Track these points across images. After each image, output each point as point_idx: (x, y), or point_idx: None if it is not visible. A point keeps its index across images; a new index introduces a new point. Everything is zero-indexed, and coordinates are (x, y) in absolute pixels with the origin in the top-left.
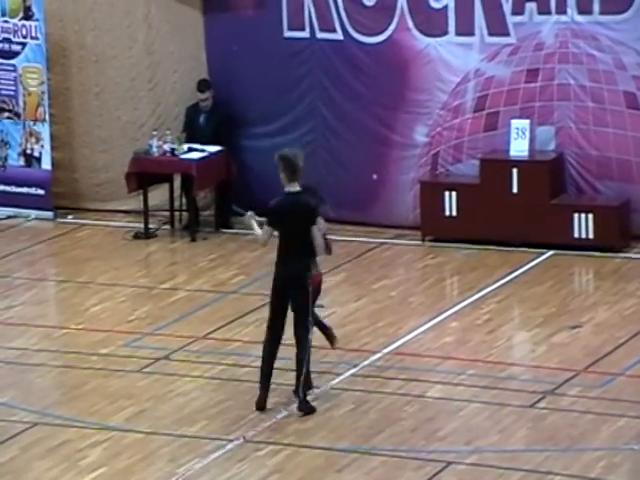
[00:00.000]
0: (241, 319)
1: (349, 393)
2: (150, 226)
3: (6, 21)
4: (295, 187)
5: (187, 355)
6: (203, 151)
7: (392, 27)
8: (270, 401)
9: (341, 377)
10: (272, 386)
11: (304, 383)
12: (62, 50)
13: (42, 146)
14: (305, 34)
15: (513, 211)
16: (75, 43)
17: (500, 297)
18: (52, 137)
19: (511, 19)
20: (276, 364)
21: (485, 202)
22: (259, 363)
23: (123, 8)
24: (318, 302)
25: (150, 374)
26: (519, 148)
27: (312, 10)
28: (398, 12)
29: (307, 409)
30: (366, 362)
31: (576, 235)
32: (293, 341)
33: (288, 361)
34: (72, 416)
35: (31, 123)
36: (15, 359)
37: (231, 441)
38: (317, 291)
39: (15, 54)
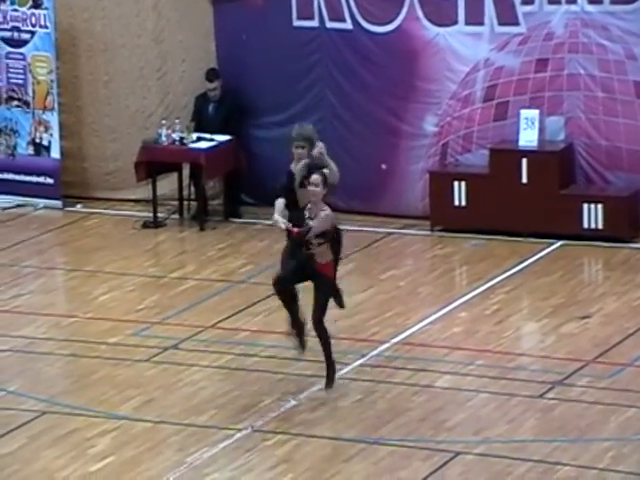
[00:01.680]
0: (250, 309)
1: (357, 383)
2: (159, 215)
3: (15, 9)
4: None
5: (195, 344)
6: (212, 140)
7: (401, 16)
8: (278, 390)
9: (349, 367)
10: (279, 376)
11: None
12: (71, 39)
13: (51, 135)
14: (314, 23)
15: (522, 201)
16: (84, 32)
17: (509, 287)
18: (61, 126)
19: (521, 9)
20: (284, 353)
21: (494, 192)
22: (267, 353)
23: None
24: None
25: (158, 363)
26: (528, 138)
27: None
28: (407, 1)
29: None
30: (374, 352)
31: (585, 225)
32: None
33: (294, 351)
34: (80, 405)
35: (40, 112)
36: (23, 348)
37: (239, 431)
38: None
39: (24, 43)
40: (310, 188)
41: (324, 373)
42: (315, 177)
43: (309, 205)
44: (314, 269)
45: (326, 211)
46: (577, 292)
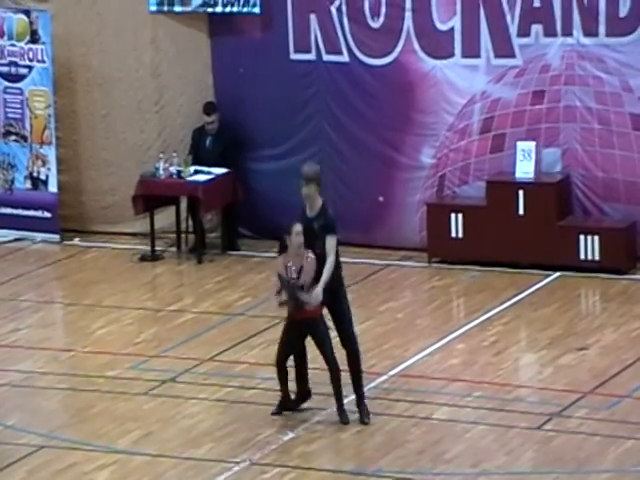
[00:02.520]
0: (248, 341)
1: (356, 415)
2: (157, 248)
3: (13, 44)
4: None
5: (194, 377)
6: (209, 173)
7: (398, 49)
8: (276, 423)
9: (348, 399)
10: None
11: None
12: (68, 73)
13: (49, 169)
14: (311, 56)
15: (519, 233)
16: (81, 66)
17: (507, 319)
18: (58, 160)
19: (517, 41)
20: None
21: (491, 224)
22: (265, 385)
23: (130, 31)
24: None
25: (157, 397)
26: (525, 170)
27: (318, 32)
28: (404, 34)
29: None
30: (372, 384)
31: (582, 257)
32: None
33: (291, 382)
34: (79, 439)
35: (38, 146)
36: (22, 382)
37: (238, 464)
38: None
39: (22, 77)
40: (294, 239)
41: (322, 405)
42: (296, 226)
43: (290, 259)
44: (305, 319)
45: (310, 254)
46: (575, 323)
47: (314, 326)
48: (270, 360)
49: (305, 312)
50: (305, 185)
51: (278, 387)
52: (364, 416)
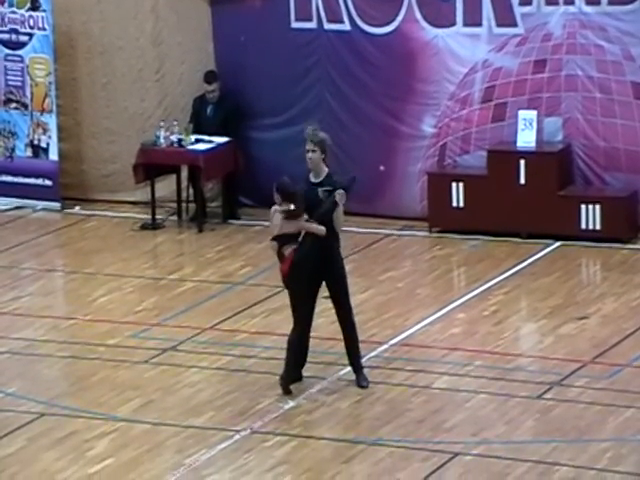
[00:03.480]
0: (248, 310)
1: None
2: (157, 217)
3: (13, 12)
4: None
5: (194, 346)
6: (210, 142)
7: (400, 18)
8: (276, 392)
9: (348, 368)
10: (278, 377)
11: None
12: (69, 41)
13: (49, 137)
14: (312, 25)
15: (520, 202)
16: (82, 34)
17: (507, 288)
18: (59, 128)
19: (519, 10)
20: (282, 355)
21: (492, 193)
22: (266, 354)
23: None
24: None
25: (157, 365)
26: (526, 139)
27: (319, 1)
28: (406, 3)
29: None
30: (373, 353)
31: (583, 226)
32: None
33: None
34: (79, 407)
35: (38, 114)
36: (22, 350)
37: (238, 432)
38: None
39: (22, 45)
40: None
41: (322, 374)
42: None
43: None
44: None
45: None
46: (575, 293)
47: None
48: (270, 329)
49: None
50: (310, 149)
51: (281, 355)
52: (361, 380)
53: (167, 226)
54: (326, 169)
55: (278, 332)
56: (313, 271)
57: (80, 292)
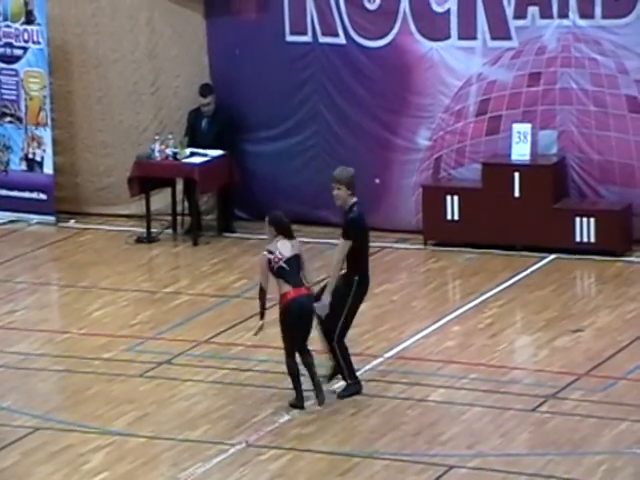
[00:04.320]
0: (243, 323)
1: (351, 397)
2: (152, 230)
3: (8, 25)
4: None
5: (189, 359)
6: (205, 155)
7: (395, 31)
8: (272, 405)
9: (343, 381)
10: (273, 391)
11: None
12: (64, 54)
13: (44, 150)
14: (307, 38)
15: (515, 215)
16: (77, 47)
17: (502, 301)
18: (54, 141)
19: (513, 23)
20: (277, 368)
21: (487, 206)
22: (261, 367)
23: (125, 12)
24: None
25: (152, 378)
26: (521, 152)
27: (314, 14)
28: (400, 16)
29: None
30: (368, 366)
31: (578, 239)
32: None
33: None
34: (74, 421)
35: (33, 127)
36: (17, 364)
37: (233, 445)
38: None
39: (17, 59)
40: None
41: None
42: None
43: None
44: None
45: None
46: (570, 305)
47: None
48: (266, 342)
49: None
50: (335, 186)
51: (276, 369)
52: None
53: (162, 239)
54: (351, 201)
55: (273, 345)
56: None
57: (75, 306)
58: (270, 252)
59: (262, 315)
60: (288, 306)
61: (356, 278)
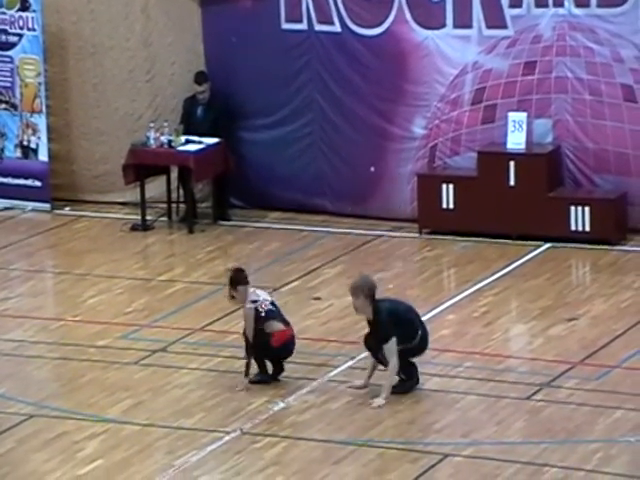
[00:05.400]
0: (238, 311)
1: (346, 385)
2: (147, 218)
3: (3, 12)
4: None
5: (184, 347)
6: (201, 143)
7: (390, 19)
8: (267, 393)
9: (338, 369)
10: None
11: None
12: (59, 41)
13: (39, 138)
14: (303, 26)
15: (510, 204)
16: (72, 34)
17: (497, 290)
18: (49, 129)
19: (509, 12)
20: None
21: (482, 195)
22: None
23: (121, 0)
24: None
25: (147, 366)
26: (516, 141)
27: (310, 2)
28: (396, 4)
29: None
30: (363, 354)
31: (573, 228)
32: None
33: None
34: (69, 408)
35: (28, 115)
36: (12, 351)
37: (228, 433)
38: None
39: (12, 45)
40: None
41: (312, 375)
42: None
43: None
44: None
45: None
46: (565, 294)
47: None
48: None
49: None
50: (352, 297)
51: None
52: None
53: (157, 227)
54: (371, 308)
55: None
56: None
57: (70, 293)
58: (254, 301)
59: (247, 373)
60: (287, 343)
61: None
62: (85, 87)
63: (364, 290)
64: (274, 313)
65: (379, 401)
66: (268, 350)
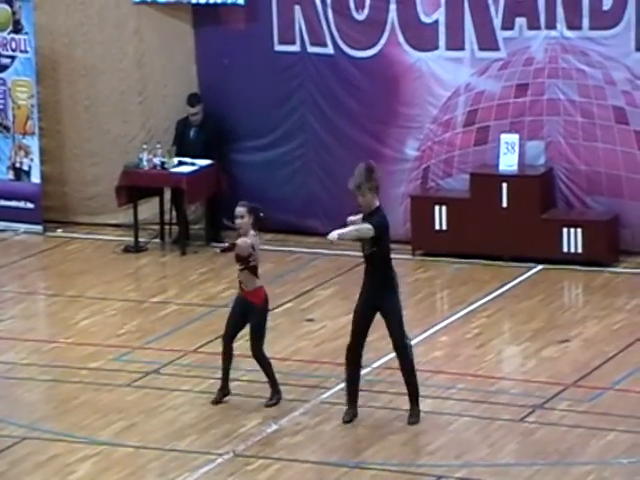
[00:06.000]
0: None
1: (339, 407)
2: (140, 240)
3: None
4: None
5: (177, 369)
6: (193, 165)
7: (383, 41)
8: (259, 415)
9: (331, 391)
10: (261, 400)
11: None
12: (52, 63)
13: (31, 159)
14: (296, 48)
15: (503, 225)
16: (65, 56)
17: (490, 311)
18: (42, 150)
19: (501, 34)
20: (265, 378)
21: (475, 216)
22: (249, 377)
23: (113, 22)
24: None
25: (140, 388)
26: (509, 162)
27: (303, 24)
28: (389, 27)
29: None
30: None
31: (565, 249)
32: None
33: (278, 375)
34: (61, 430)
35: (20, 136)
36: (4, 373)
37: (221, 455)
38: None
39: (4, 67)
40: (236, 221)
41: (305, 397)
42: (239, 209)
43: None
44: (244, 299)
45: (244, 238)
46: (557, 316)
47: (251, 312)
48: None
49: (247, 294)
50: (357, 194)
51: (264, 378)
52: (410, 416)
53: (150, 249)
54: (376, 204)
55: None
56: None
57: (62, 315)
58: (253, 248)
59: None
60: (267, 301)
61: (395, 280)
62: (77, 109)
63: (364, 181)
64: (256, 270)
65: (333, 235)
66: (263, 309)
